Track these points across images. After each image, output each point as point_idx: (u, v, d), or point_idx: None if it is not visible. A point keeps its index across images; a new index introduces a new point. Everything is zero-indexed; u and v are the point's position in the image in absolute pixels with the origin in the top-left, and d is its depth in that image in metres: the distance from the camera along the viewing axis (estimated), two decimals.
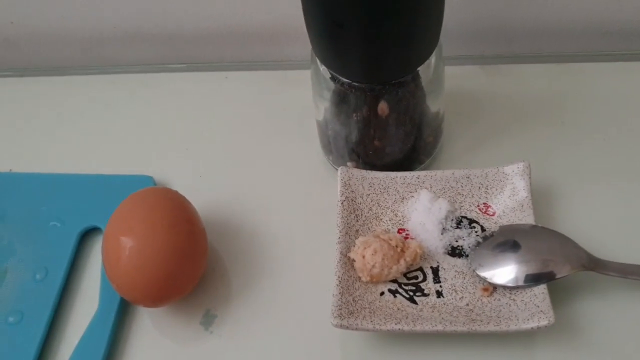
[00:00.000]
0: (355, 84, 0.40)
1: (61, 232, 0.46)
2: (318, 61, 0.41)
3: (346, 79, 0.40)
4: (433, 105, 0.44)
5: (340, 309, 0.37)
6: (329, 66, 0.40)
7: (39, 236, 0.46)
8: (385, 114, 0.41)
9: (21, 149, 0.53)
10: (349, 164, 0.45)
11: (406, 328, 0.37)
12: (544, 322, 0.36)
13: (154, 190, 0.43)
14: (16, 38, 0.59)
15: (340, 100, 0.42)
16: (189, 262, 0.40)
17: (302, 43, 0.40)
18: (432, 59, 0.41)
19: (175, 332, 0.41)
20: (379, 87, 0.40)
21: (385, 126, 0.43)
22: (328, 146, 0.46)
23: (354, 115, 0.42)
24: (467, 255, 0.41)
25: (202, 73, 0.56)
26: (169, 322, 0.42)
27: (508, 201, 0.42)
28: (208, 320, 0.41)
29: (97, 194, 0.47)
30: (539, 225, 0.41)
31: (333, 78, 0.41)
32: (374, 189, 0.44)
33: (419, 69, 0.40)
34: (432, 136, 0.46)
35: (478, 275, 0.40)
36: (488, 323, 0.37)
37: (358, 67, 0.39)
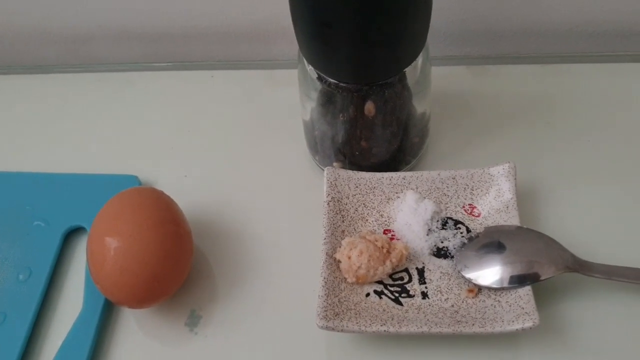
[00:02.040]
0: (342, 84, 0.40)
1: (45, 232, 0.45)
2: (305, 61, 0.40)
3: (333, 79, 0.40)
4: (419, 105, 0.44)
5: (325, 311, 0.37)
6: (315, 66, 0.40)
7: (23, 236, 0.45)
8: (371, 115, 0.41)
9: (4, 148, 0.52)
10: (335, 164, 0.45)
11: (392, 329, 0.37)
12: (528, 324, 0.36)
13: (139, 190, 0.42)
14: (0, 35, 0.58)
15: (327, 100, 0.42)
16: (174, 263, 0.39)
17: (289, 42, 0.40)
18: (419, 59, 0.40)
19: (160, 333, 0.41)
20: (366, 87, 0.40)
21: (372, 127, 0.43)
22: (314, 146, 0.46)
23: (341, 115, 0.42)
24: (452, 257, 0.41)
25: (188, 72, 0.56)
26: (154, 323, 0.41)
27: (493, 202, 0.43)
28: (193, 321, 0.41)
29: (81, 193, 0.47)
30: (524, 226, 0.41)
31: (320, 78, 0.40)
32: (360, 190, 0.44)
33: (405, 69, 0.40)
34: (419, 136, 0.46)
35: (463, 277, 0.40)
36: (473, 324, 0.37)
37: (345, 68, 0.39)
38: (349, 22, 0.35)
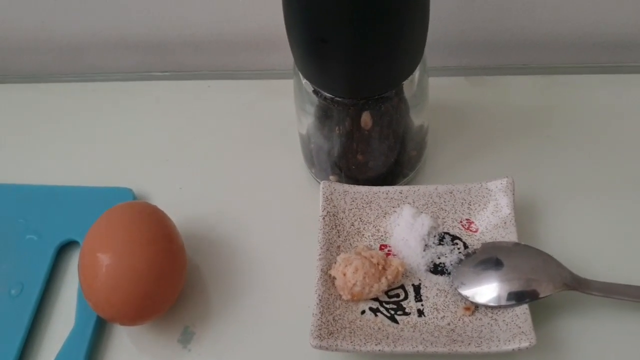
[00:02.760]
0: (338, 98, 0.39)
1: (38, 246, 0.45)
2: (300, 75, 0.40)
3: (329, 93, 0.39)
4: (417, 118, 0.43)
5: (319, 329, 0.37)
6: (311, 81, 0.39)
7: (15, 250, 0.45)
8: (368, 127, 0.41)
9: None
10: (331, 177, 0.45)
11: (386, 349, 0.36)
12: (525, 344, 0.35)
13: (133, 205, 0.42)
14: None
15: (323, 114, 0.41)
16: (167, 281, 0.39)
17: (286, 52, 0.40)
18: (416, 73, 0.40)
19: (153, 349, 0.41)
20: (362, 101, 0.39)
21: (368, 140, 0.42)
22: (310, 159, 0.46)
23: (337, 128, 0.42)
24: (449, 273, 0.41)
25: (183, 82, 0.55)
26: (147, 340, 0.41)
27: (491, 218, 0.42)
28: (186, 337, 0.41)
29: (75, 206, 0.47)
30: (522, 243, 0.40)
31: (315, 92, 0.40)
32: (356, 204, 0.43)
33: (402, 82, 0.39)
34: (416, 150, 0.45)
35: (460, 294, 0.39)
36: (469, 344, 0.36)
37: (341, 82, 0.38)
38: (345, 37, 0.35)
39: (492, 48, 0.54)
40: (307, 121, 0.43)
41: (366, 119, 0.40)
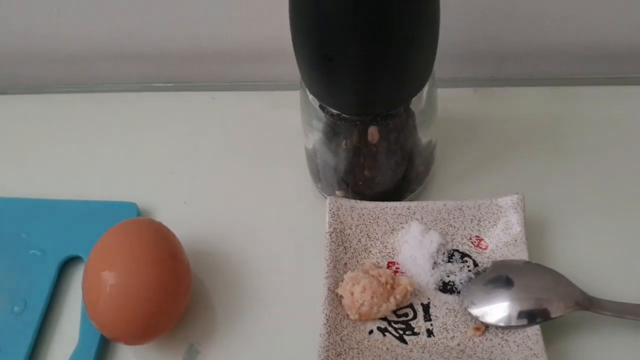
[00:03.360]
0: (345, 115, 0.39)
1: (41, 262, 0.44)
2: (307, 91, 0.39)
3: (336, 110, 0.39)
4: (425, 134, 0.43)
5: (327, 350, 0.36)
6: (318, 97, 0.38)
7: (18, 265, 0.44)
8: (375, 142, 0.40)
9: None
10: (337, 192, 0.44)
11: None
12: None
13: (137, 222, 0.41)
14: None
15: (330, 129, 0.41)
16: (172, 299, 0.38)
17: (291, 63, 0.39)
18: (425, 88, 0.39)
19: None
20: (370, 118, 0.39)
21: (376, 156, 0.41)
22: (317, 174, 0.45)
23: (344, 144, 0.41)
24: (458, 292, 0.40)
25: (188, 93, 0.55)
26: (152, 358, 0.40)
27: (501, 235, 0.41)
28: (191, 356, 0.40)
29: (78, 221, 0.46)
30: (533, 261, 0.40)
31: (322, 107, 0.39)
32: (364, 220, 0.43)
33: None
34: (424, 165, 0.44)
35: (470, 314, 0.39)
36: None
37: (348, 100, 0.37)
38: (353, 55, 0.34)
39: (500, 59, 0.53)
40: (313, 137, 0.42)
41: (373, 132, 0.40)
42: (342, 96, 0.37)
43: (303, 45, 0.36)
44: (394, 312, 0.39)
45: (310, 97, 0.39)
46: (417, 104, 0.40)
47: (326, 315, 0.38)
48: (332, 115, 0.39)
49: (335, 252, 0.41)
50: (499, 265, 0.40)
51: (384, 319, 0.39)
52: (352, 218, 0.43)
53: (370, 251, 0.42)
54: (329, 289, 0.39)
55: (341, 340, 0.37)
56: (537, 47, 0.52)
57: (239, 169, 0.49)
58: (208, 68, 0.56)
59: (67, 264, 0.45)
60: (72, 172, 0.50)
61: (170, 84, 0.56)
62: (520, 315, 0.38)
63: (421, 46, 0.36)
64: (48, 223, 0.46)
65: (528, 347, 0.36)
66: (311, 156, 0.45)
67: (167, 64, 0.56)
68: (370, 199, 0.43)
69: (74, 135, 0.53)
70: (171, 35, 0.54)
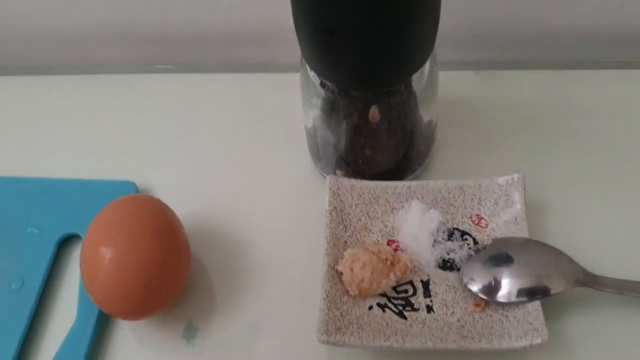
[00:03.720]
0: (346, 91, 0.38)
1: (39, 240, 0.44)
2: (308, 67, 0.39)
3: (337, 86, 0.38)
4: (426, 113, 0.42)
5: (327, 325, 0.36)
6: (319, 73, 0.38)
7: (16, 243, 0.44)
8: (376, 121, 0.40)
9: None
10: (338, 172, 0.44)
11: (395, 345, 0.36)
12: (537, 340, 0.35)
13: (136, 198, 0.41)
14: None
15: (330, 107, 0.41)
16: (170, 275, 0.38)
17: (291, 45, 0.39)
18: (426, 66, 0.39)
19: (157, 345, 0.40)
20: (371, 95, 0.39)
21: (376, 135, 0.41)
22: (317, 154, 0.45)
23: (344, 122, 0.41)
24: (458, 269, 0.40)
25: (187, 75, 0.54)
26: (150, 335, 0.40)
27: (502, 213, 0.41)
28: (190, 333, 0.40)
29: (77, 200, 0.46)
30: (533, 239, 0.39)
31: (323, 85, 0.39)
32: (364, 199, 0.43)
33: (412, 76, 0.39)
34: (425, 144, 0.44)
35: (470, 290, 0.38)
36: (480, 340, 0.36)
37: (349, 75, 0.37)
38: (354, 29, 0.34)
39: (502, 42, 0.53)
40: (313, 114, 0.42)
41: (374, 112, 0.40)
42: (342, 71, 0.37)
43: (304, 18, 0.36)
44: (394, 288, 0.39)
45: (311, 74, 0.39)
46: (418, 81, 0.40)
47: (326, 290, 0.38)
48: (332, 92, 0.39)
49: (335, 230, 0.41)
50: (499, 242, 0.40)
51: (384, 295, 0.39)
52: (352, 197, 0.42)
53: (370, 230, 0.42)
54: (328, 265, 0.39)
55: (341, 315, 0.37)
56: (540, 31, 0.52)
57: (239, 150, 0.49)
58: (207, 50, 0.56)
59: (65, 242, 0.44)
60: (71, 152, 0.50)
61: (169, 66, 0.56)
62: (521, 291, 0.37)
63: (422, 21, 0.36)
64: (46, 202, 0.46)
65: (528, 321, 0.36)
66: (311, 135, 0.45)
67: (167, 46, 0.56)
68: (371, 179, 0.43)
69: (73, 117, 0.53)
70: (171, 17, 0.54)
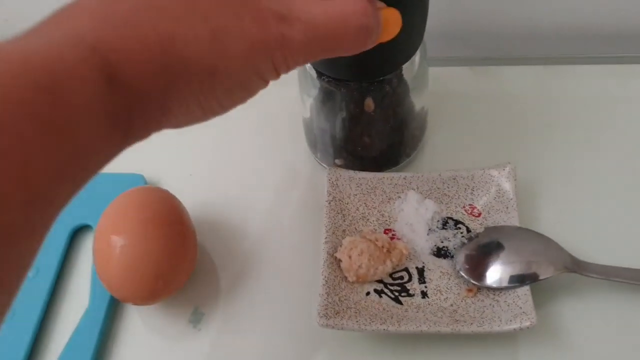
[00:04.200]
0: (342, 82, 0.40)
1: (52, 230, 0.45)
2: None
3: (333, 77, 0.40)
4: (417, 100, 0.44)
5: (326, 309, 0.38)
6: (315, 64, 0.40)
7: None
8: (371, 109, 0.42)
9: None
10: (336, 161, 0.46)
11: (391, 328, 0.38)
12: (526, 323, 0.37)
13: (145, 189, 0.43)
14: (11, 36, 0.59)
15: (326, 97, 0.42)
16: (178, 262, 0.40)
17: None
18: (417, 56, 0.41)
19: (165, 329, 0.42)
20: (365, 84, 0.40)
21: (371, 122, 0.43)
22: (314, 144, 0.47)
23: (340, 112, 0.43)
24: (452, 256, 0.42)
25: None
26: (159, 320, 0.42)
27: (493, 203, 0.43)
28: (196, 317, 0.42)
29: (88, 191, 0.46)
30: (523, 227, 0.41)
31: (319, 76, 0.41)
32: (361, 189, 0.44)
33: (403, 66, 0.40)
34: (418, 129, 0.46)
35: (462, 276, 0.40)
36: (471, 324, 0.38)
37: (345, 66, 0.39)
38: None
39: (495, 38, 0.55)
40: (310, 105, 0.44)
41: (369, 102, 0.41)
42: (338, 62, 0.38)
43: None
44: (390, 275, 0.41)
45: (308, 66, 0.41)
46: (409, 71, 0.41)
47: (325, 277, 0.40)
48: (328, 82, 0.40)
49: (334, 219, 0.43)
50: (491, 231, 0.42)
51: (381, 281, 0.41)
52: (350, 188, 0.44)
53: (367, 219, 0.44)
54: (327, 253, 0.41)
55: (339, 300, 0.39)
56: (532, 27, 0.54)
57: (240, 142, 0.50)
58: None
59: (77, 232, 0.46)
60: None
61: None
62: (511, 277, 0.39)
63: (413, 11, 0.37)
64: None
65: (518, 306, 0.38)
66: (309, 126, 0.46)
67: None
68: (369, 164, 0.45)
69: None
70: None
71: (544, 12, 0.53)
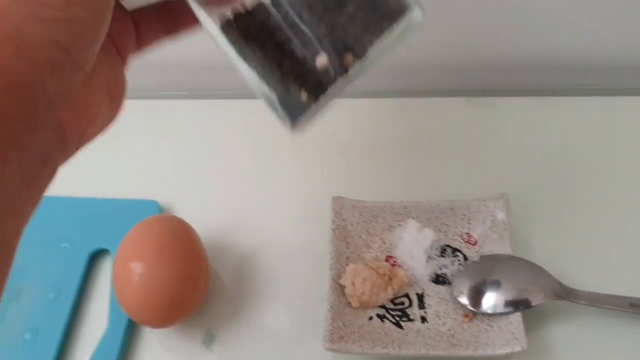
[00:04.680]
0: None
1: (72, 253, 0.49)
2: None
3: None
4: None
5: (331, 334, 0.41)
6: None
7: (51, 257, 0.48)
8: None
9: None
10: (303, 94, 0.31)
11: (392, 352, 0.40)
12: (517, 348, 0.39)
13: (161, 218, 0.46)
14: None
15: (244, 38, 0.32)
16: (192, 288, 0.43)
17: None
18: None
19: (180, 350, 0.45)
20: None
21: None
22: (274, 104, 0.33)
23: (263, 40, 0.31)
24: (450, 283, 0.44)
25: (205, 100, 0.59)
26: (174, 341, 0.45)
27: (489, 232, 0.46)
28: (209, 339, 0.45)
29: (105, 217, 0.50)
30: (516, 255, 0.44)
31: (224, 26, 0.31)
32: (364, 218, 0.47)
33: None
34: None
35: (459, 302, 0.43)
36: (467, 348, 0.40)
37: None
38: None
39: (492, 71, 0.57)
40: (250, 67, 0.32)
41: None
42: None
43: None
44: (392, 300, 0.44)
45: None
46: None
47: (330, 303, 0.42)
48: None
49: (338, 246, 0.45)
50: (486, 259, 0.44)
51: (383, 306, 0.44)
52: (353, 216, 0.47)
53: (370, 246, 0.47)
54: (332, 279, 0.44)
55: (344, 325, 0.42)
56: (527, 60, 0.56)
57: (251, 172, 0.53)
58: (223, 77, 0.60)
59: (95, 256, 0.49)
60: (98, 173, 0.54)
61: (187, 92, 0.60)
62: (505, 303, 0.42)
63: None
64: (76, 219, 0.50)
65: (510, 331, 0.41)
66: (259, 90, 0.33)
67: (185, 75, 0.60)
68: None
69: (100, 140, 0.57)
70: (186, 44, 0.58)
71: (540, 44, 0.55)
